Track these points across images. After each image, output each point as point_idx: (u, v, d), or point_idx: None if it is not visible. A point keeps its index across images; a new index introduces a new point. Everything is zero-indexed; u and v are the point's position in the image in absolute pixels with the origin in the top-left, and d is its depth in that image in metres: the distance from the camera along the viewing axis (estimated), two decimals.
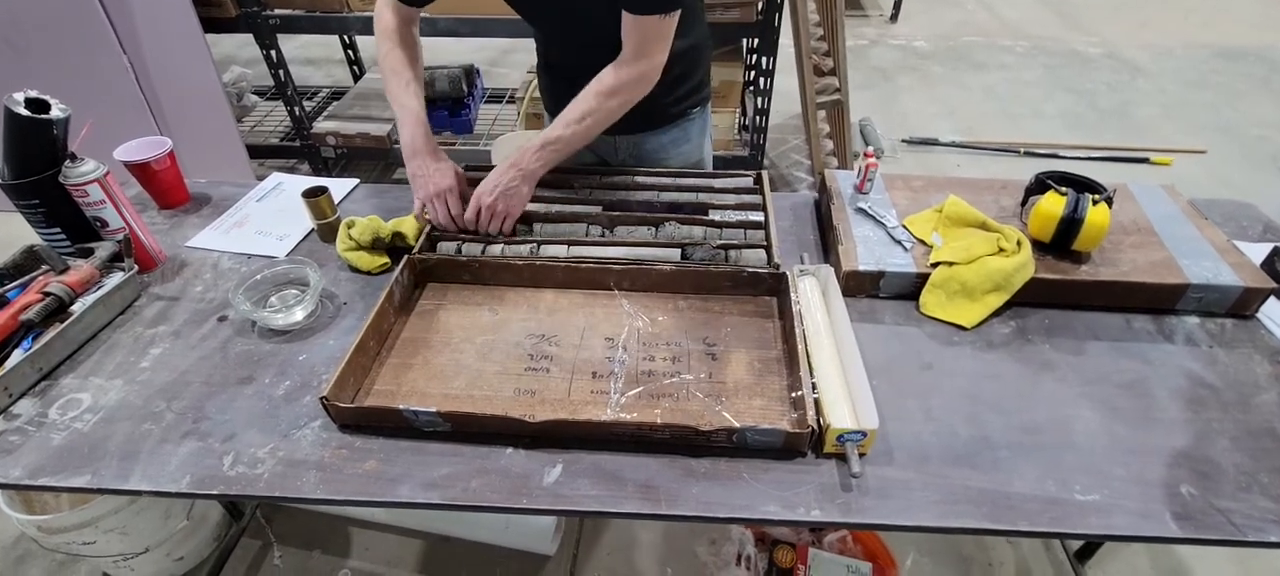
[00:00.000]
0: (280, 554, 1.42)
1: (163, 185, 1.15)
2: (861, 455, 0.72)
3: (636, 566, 1.38)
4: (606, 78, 0.94)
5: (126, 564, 1.26)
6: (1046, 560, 1.38)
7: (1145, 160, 2.79)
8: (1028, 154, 2.85)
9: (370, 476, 0.73)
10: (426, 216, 1.02)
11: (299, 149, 2.41)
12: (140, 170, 1.13)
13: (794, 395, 0.78)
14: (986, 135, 2.99)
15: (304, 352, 0.89)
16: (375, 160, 2.66)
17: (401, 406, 0.75)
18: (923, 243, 0.95)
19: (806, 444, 0.73)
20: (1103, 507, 0.68)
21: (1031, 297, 0.89)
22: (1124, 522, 0.66)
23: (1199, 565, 1.36)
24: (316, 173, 2.45)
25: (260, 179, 1.26)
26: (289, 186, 1.22)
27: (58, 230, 0.99)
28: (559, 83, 1.11)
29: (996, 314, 0.89)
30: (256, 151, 2.32)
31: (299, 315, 0.92)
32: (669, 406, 0.79)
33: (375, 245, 1.02)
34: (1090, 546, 1.36)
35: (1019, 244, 0.89)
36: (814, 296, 0.89)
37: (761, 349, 0.87)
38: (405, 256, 0.96)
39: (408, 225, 1.04)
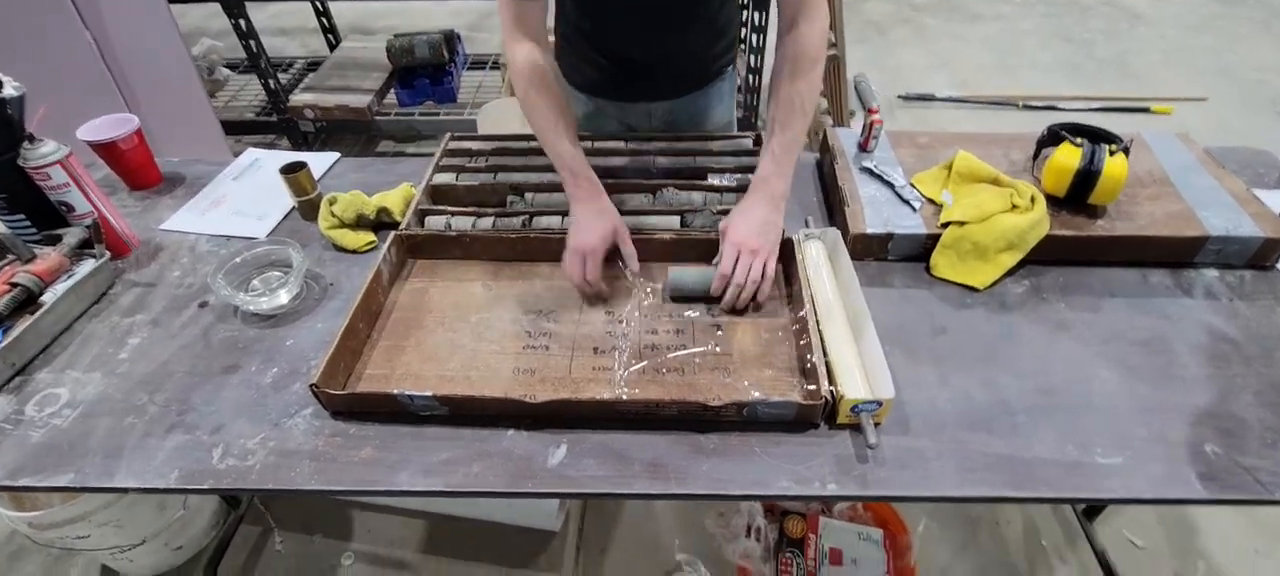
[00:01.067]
0: (282, 539, 1.40)
1: (131, 165, 1.10)
2: (877, 425, 0.70)
3: (644, 540, 1.37)
4: (800, 48, 0.82)
5: (124, 555, 1.24)
6: (1053, 518, 1.38)
7: (1145, 110, 2.75)
8: (1026, 107, 2.79)
9: (367, 464, 0.70)
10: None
11: (276, 123, 2.32)
12: (107, 150, 1.07)
13: (806, 365, 0.75)
14: (983, 88, 2.93)
15: (291, 337, 0.85)
16: (357, 133, 2.58)
17: (396, 391, 0.71)
18: (932, 202, 0.91)
19: (819, 415, 0.70)
20: (1125, 470, 0.66)
21: (1045, 255, 0.85)
22: (1147, 485, 0.64)
23: (1206, 518, 1.37)
24: (296, 147, 2.37)
25: (237, 155, 1.20)
26: (267, 163, 1.17)
27: (22, 217, 0.94)
28: (591, 53, 1.03)
29: (1010, 273, 0.86)
30: (232, 127, 2.24)
31: (283, 298, 0.87)
32: (675, 381, 0.76)
33: (359, 222, 0.98)
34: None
35: (1033, 200, 0.85)
36: (821, 261, 0.86)
37: (769, 317, 0.83)
38: (392, 233, 0.91)
39: (393, 200, 0.99)
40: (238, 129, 2.33)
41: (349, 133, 2.55)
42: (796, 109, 0.82)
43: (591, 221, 0.84)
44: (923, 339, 0.80)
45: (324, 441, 0.72)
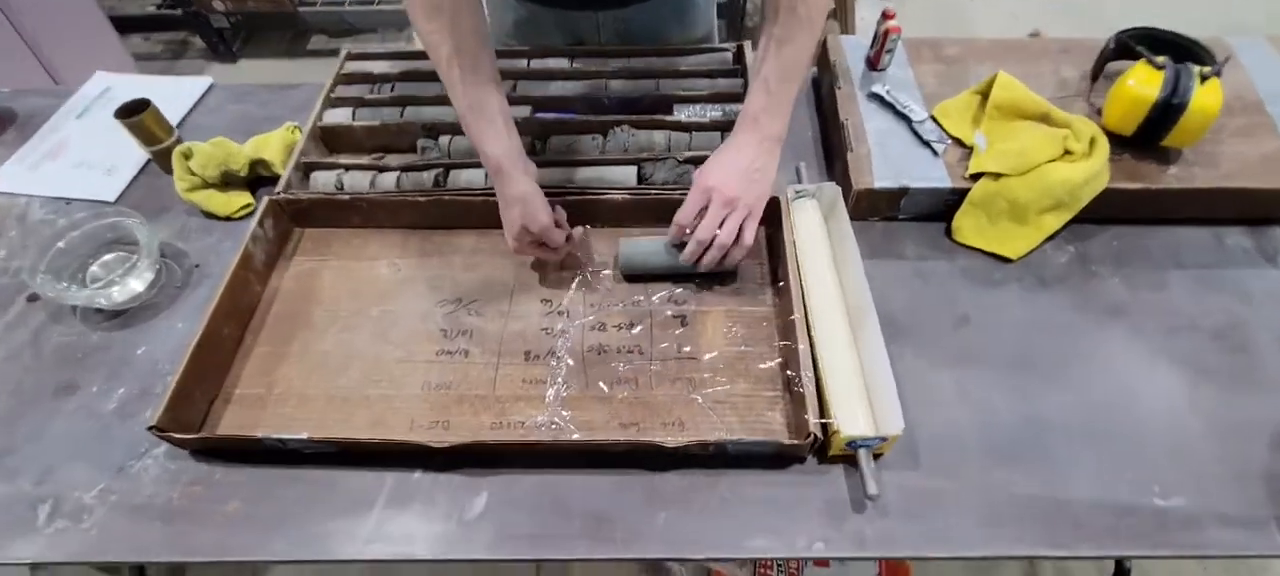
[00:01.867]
0: None
1: None
2: (877, 457, 0.55)
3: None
4: None
5: None
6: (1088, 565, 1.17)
7: None
8: None
9: (234, 523, 0.55)
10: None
11: (181, 18, 1.98)
12: None
13: (792, 384, 0.59)
14: None
15: (144, 342, 0.67)
16: (282, 30, 2.22)
17: (261, 434, 0.55)
18: (959, 143, 0.71)
19: (807, 451, 0.55)
20: (1191, 516, 0.52)
21: (1095, 210, 0.67)
22: (1221, 537, 0.51)
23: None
24: (212, 50, 2.04)
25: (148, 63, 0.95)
26: (121, 92, 0.92)
27: None
28: (540, 17, 0.82)
29: (1050, 237, 0.68)
30: (127, 25, 1.89)
31: (136, 287, 0.68)
32: (626, 398, 0.60)
33: (228, 180, 0.76)
34: None
35: (1093, 143, 0.65)
36: (815, 229, 0.67)
37: (746, 303, 0.66)
38: (266, 198, 0.71)
39: (272, 146, 0.78)
40: (134, 25, 1.98)
41: (273, 30, 2.19)
42: (801, 21, 0.59)
43: (512, 193, 0.62)
44: (940, 331, 0.64)
45: (181, 492, 0.57)
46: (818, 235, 0.66)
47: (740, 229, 0.60)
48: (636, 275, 0.68)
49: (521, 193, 0.61)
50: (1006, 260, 0.68)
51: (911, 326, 0.64)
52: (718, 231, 0.60)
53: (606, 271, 0.69)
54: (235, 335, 0.65)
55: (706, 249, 0.61)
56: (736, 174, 0.60)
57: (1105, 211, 0.67)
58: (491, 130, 0.60)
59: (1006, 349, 0.62)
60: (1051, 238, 0.68)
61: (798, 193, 0.69)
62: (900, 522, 0.53)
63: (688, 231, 0.61)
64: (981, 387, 0.60)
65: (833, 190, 0.68)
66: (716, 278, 0.67)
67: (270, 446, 0.56)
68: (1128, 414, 0.57)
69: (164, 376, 0.64)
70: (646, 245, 0.67)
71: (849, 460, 0.56)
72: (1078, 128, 0.66)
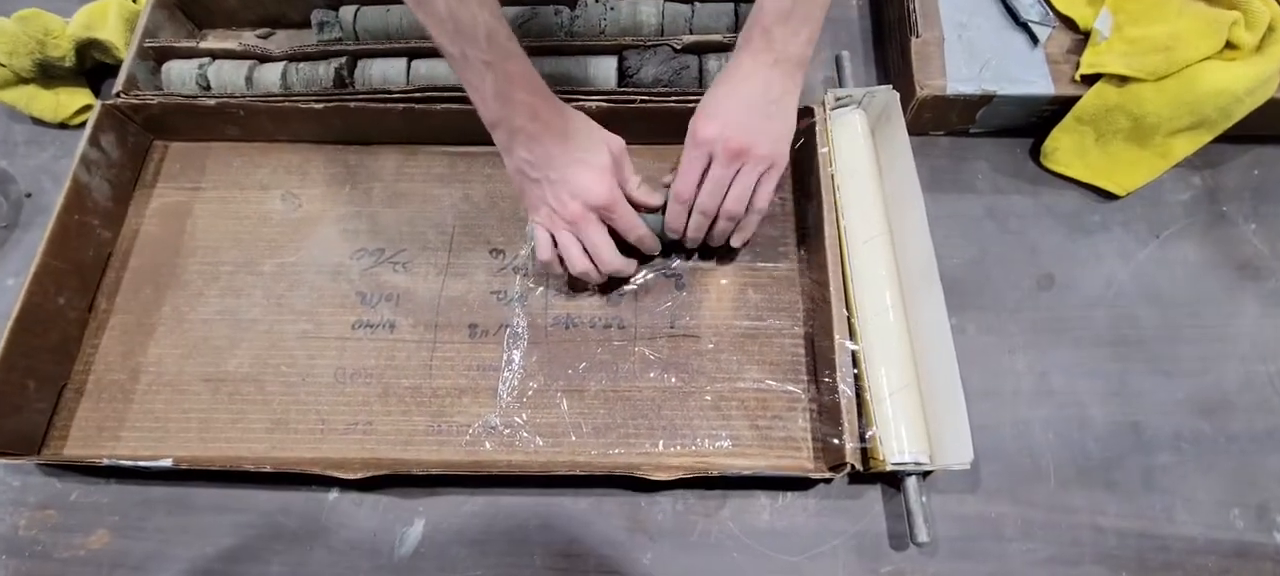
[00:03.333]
0: None
1: None
2: (926, 475, 0.42)
3: None
4: None
5: None
6: None
7: None
8: None
9: (99, 560, 0.43)
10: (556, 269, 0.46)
11: None
12: None
13: (821, 381, 0.44)
14: None
15: None
16: None
17: (108, 461, 0.41)
18: (1071, 25, 0.51)
19: (839, 474, 0.42)
20: None
21: (1235, 128, 0.49)
22: None
23: None
24: None
25: None
26: None
27: None
28: None
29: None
30: None
31: None
32: (601, 389, 0.46)
33: (51, 72, 0.55)
34: None
35: (1269, 34, 0.45)
36: (860, 152, 0.49)
37: (762, 258, 0.50)
38: (100, 104, 0.51)
39: (109, 20, 0.55)
40: None
41: None
42: None
43: (586, 160, 0.41)
44: (1015, 296, 0.48)
45: (30, 518, 0.44)
46: (863, 161, 0.48)
47: (754, 190, 0.42)
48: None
49: (612, 144, 0.43)
50: (1110, 196, 0.51)
51: (978, 288, 0.49)
52: (723, 198, 0.42)
53: None
54: (78, 302, 0.48)
55: (713, 221, 0.44)
56: (743, 114, 0.41)
57: (1253, 126, 0.49)
58: (517, 58, 0.38)
59: (1100, 322, 0.47)
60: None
61: (838, 99, 0.49)
62: (950, 563, 0.42)
63: (684, 200, 0.43)
64: (1065, 377, 0.46)
65: (886, 96, 0.49)
66: (721, 249, 0.50)
67: (124, 471, 0.42)
68: (1254, 418, 0.44)
69: None
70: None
71: (887, 479, 0.43)
72: (1252, 9, 0.45)
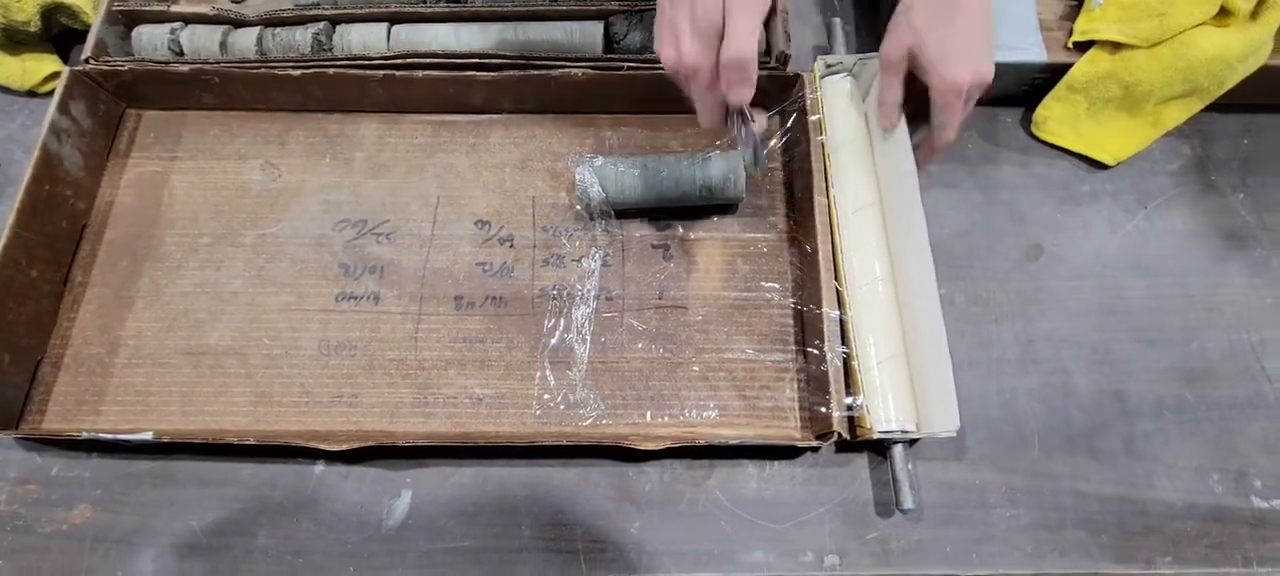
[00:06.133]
0: None
1: None
2: (912, 444, 0.43)
3: None
4: None
5: None
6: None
7: None
8: None
9: (83, 534, 0.43)
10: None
11: None
12: None
13: (808, 351, 0.44)
14: None
15: None
16: None
17: (87, 434, 0.41)
18: None
19: (826, 442, 0.42)
20: None
21: (1229, 95, 0.49)
22: None
23: None
24: None
25: None
26: None
27: None
28: None
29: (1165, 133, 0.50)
30: None
31: None
32: (589, 362, 0.46)
33: (16, 37, 0.53)
34: None
35: (1263, 1, 0.45)
36: (851, 118, 0.48)
37: (751, 227, 0.49)
38: (68, 70, 0.49)
39: None
40: None
41: None
42: None
43: None
44: (1003, 266, 0.48)
45: (10, 493, 0.44)
46: (855, 130, 0.48)
47: None
48: (607, 212, 0.49)
49: None
50: (1101, 166, 0.50)
51: (966, 258, 0.48)
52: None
53: (555, 180, 0.51)
54: (52, 275, 0.47)
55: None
56: (983, 46, 0.39)
57: (1243, 94, 0.48)
58: None
59: (1087, 292, 0.47)
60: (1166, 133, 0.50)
61: (829, 66, 0.49)
62: (935, 529, 0.42)
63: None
64: (1052, 346, 0.46)
65: (877, 66, 0.48)
66: (715, 206, 0.49)
67: (102, 444, 0.42)
68: (1236, 386, 0.45)
69: None
70: (620, 168, 0.47)
71: (874, 448, 0.44)
72: None
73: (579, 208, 0.48)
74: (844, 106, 0.48)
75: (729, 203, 0.49)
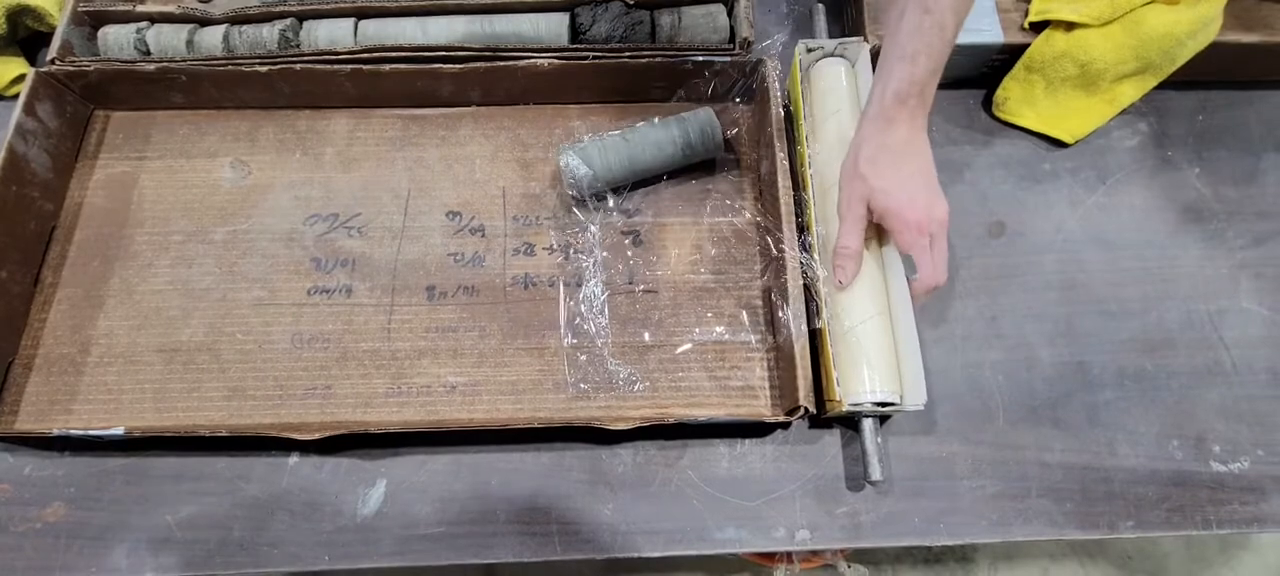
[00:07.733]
0: None
1: None
2: (883, 422, 0.43)
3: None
4: None
5: None
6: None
7: None
8: None
9: (57, 532, 0.43)
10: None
11: None
12: None
13: (776, 323, 0.45)
14: None
15: None
16: None
17: (57, 431, 0.41)
18: None
19: (796, 418, 0.43)
20: (1252, 482, 0.43)
21: (1182, 68, 0.50)
22: None
23: None
24: None
25: None
26: None
27: None
28: None
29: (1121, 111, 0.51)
30: None
31: None
32: (561, 346, 0.46)
33: None
34: None
35: None
36: (842, 90, 0.48)
37: (721, 211, 0.50)
38: (33, 72, 0.49)
39: None
40: None
41: None
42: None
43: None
44: (967, 243, 0.49)
45: None
46: (845, 104, 0.48)
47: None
48: (598, 191, 0.49)
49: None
50: (1061, 144, 0.51)
51: None
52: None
53: (530, 166, 0.51)
54: (22, 276, 0.47)
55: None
56: (931, 187, 0.40)
57: (1197, 71, 0.50)
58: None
59: (1049, 267, 0.48)
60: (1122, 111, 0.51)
61: (810, 50, 0.49)
62: (904, 501, 0.43)
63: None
64: (1015, 320, 0.47)
65: (860, 48, 0.49)
66: (694, 166, 0.50)
67: (75, 442, 0.42)
68: (1194, 355, 0.46)
69: None
70: (603, 143, 0.47)
71: (846, 423, 0.44)
72: None
73: (571, 194, 0.48)
74: (835, 85, 0.48)
75: (708, 158, 0.50)
